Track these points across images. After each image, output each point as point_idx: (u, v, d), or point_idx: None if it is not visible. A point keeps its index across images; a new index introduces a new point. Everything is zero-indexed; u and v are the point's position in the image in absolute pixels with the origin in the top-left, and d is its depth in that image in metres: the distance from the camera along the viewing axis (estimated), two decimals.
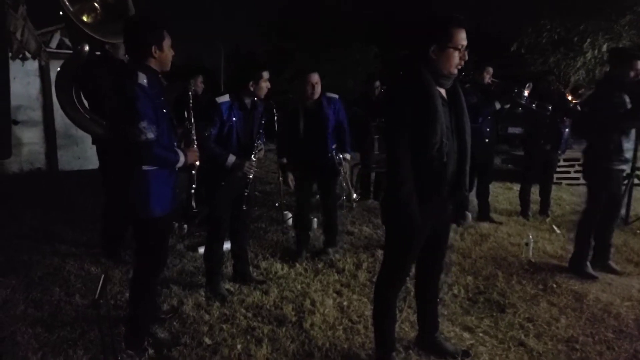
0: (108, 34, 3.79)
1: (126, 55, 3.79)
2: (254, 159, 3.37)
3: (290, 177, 4.18)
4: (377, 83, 6.29)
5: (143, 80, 2.35)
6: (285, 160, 4.29)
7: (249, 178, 3.40)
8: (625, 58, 3.77)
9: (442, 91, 2.30)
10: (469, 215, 5.39)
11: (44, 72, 8.33)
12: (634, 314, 3.23)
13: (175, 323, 3.00)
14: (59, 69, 3.99)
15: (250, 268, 3.79)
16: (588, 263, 3.90)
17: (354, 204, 6.01)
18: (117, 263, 3.93)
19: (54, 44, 8.31)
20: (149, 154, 2.39)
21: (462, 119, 2.35)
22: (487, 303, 3.37)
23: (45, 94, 8.40)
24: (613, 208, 3.97)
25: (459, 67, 2.25)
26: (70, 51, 4.68)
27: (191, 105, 2.76)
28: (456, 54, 2.20)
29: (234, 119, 3.26)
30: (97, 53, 3.88)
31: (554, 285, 3.68)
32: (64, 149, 8.75)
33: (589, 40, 9.38)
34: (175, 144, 2.61)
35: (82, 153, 8.39)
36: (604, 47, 9.18)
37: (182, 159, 2.56)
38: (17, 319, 3.01)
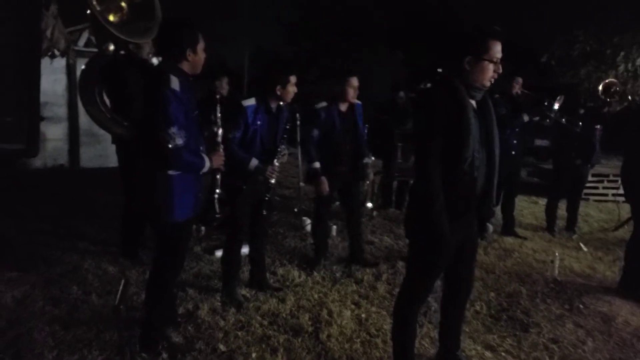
0: (134, 34, 3.79)
1: (150, 55, 3.80)
2: (276, 163, 3.33)
3: (326, 183, 3.82)
4: (402, 94, 6.22)
5: (175, 84, 2.32)
6: (318, 165, 3.86)
7: (271, 183, 3.36)
8: None
9: (473, 103, 2.23)
10: (490, 226, 5.26)
11: (70, 70, 8.48)
12: None
13: (190, 328, 2.96)
14: (83, 67, 4.02)
15: (267, 274, 3.74)
16: None
17: (374, 213, 5.94)
18: (135, 263, 3.93)
19: (82, 42, 8.45)
20: (177, 160, 2.37)
21: (492, 131, 2.29)
22: (510, 321, 3.25)
23: (71, 92, 8.55)
24: None
25: (492, 80, 2.19)
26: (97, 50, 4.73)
27: (218, 108, 2.73)
28: (491, 67, 2.15)
29: (259, 122, 3.23)
30: (122, 52, 3.90)
31: (581, 306, 3.54)
32: (87, 147, 8.89)
33: (622, 53, 9.14)
34: (201, 147, 2.58)
35: (104, 151, 8.49)
36: (638, 61, 8.94)
37: (207, 164, 2.54)
38: (34, 316, 3.02)
